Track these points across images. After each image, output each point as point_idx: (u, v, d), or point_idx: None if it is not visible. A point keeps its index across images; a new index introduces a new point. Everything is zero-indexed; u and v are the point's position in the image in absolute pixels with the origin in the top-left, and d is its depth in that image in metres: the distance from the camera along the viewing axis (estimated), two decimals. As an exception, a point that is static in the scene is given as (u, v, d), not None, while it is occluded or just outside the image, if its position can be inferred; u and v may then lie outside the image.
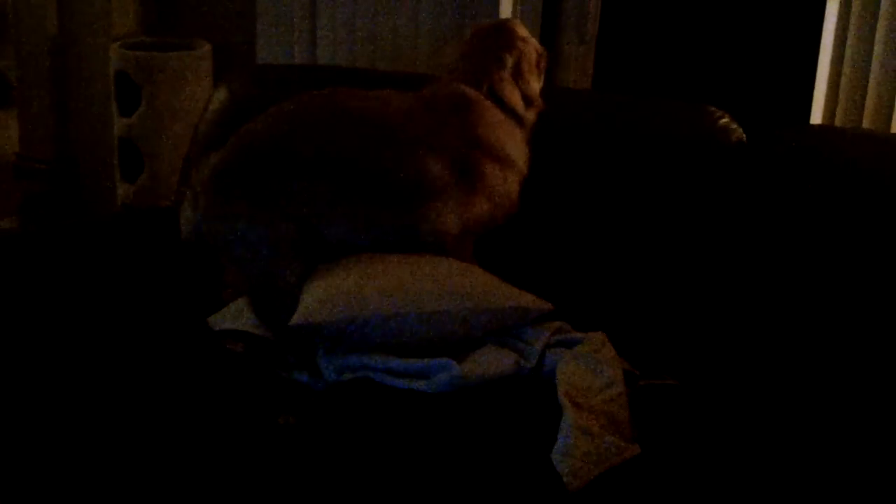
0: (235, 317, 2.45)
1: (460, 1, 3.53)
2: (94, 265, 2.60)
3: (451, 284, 2.36)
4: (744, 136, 2.63)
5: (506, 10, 3.53)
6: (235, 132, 2.50)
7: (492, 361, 2.31)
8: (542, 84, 2.64)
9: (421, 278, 2.35)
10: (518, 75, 2.56)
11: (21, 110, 4.48)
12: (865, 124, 3.00)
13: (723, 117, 2.65)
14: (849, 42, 3.00)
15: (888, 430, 2.16)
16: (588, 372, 2.25)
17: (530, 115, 2.58)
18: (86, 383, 2.26)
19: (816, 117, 3.14)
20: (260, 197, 2.38)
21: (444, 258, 2.44)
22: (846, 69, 3.02)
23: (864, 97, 3.00)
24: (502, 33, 2.61)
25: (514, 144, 2.53)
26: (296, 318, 2.30)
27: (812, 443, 2.12)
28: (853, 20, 2.98)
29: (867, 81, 2.98)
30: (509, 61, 2.56)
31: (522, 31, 2.64)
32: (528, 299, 2.40)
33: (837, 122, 3.06)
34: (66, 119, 4.40)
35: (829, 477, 2.01)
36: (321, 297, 2.32)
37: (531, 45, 2.62)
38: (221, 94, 3.01)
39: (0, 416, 2.19)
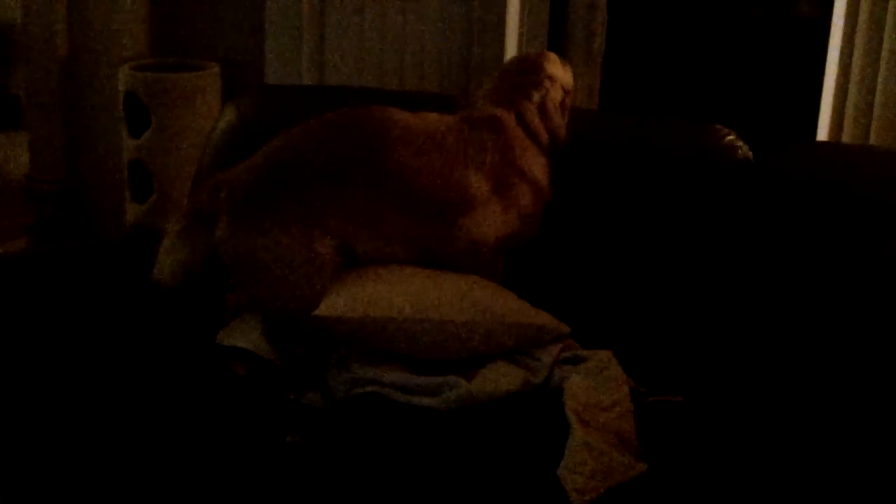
0: (243, 335, 2.44)
1: (467, 22, 3.54)
2: (103, 287, 2.60)
3: (474, 298, 2.38)
4: (750, 153, 2.63)
5: (512, 30, 3.54)
6: (263, 147, 2.50)
7: (501, 378, 2.31)
8: (566, 119, 2.67)
9: (446, 289, 2.38)
10: (543, 112, 2.60)
11: (31, 132, 4.49)
12: (872, 141, 2.99)
13: (729, 135, 2.66)
14: (855, 58, 3.00)
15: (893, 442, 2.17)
16: (595, 389, 2.26)
17: (554, 147, 2.63)
18: (93, 402, 2.27)
19: (823, 134, 3.14)
20: (298, 212, 2.38)
21: (470, 275, 2.47)
22: (852, 86, 3.03)
23: (870, 114, 3.00)
24: (531, 70, 2.66)
25: (541, 170, 2.58)
26: (320, 310, 2.31)
27: (818, 457, 2.12)
28: (859, 37, 2.98)
29: (873, 98, 2.98)
30: (535, 97, 2.61)
31: (552, 67, 2.68)
32: (547, 320, 2.42)
33: (844, 139, 3.06)
34: (75, 141, 4.41)
35: (835, 491, 2.01)
36: (347, 296, 2.34)
37: (558, 84, 2.66)
38: (229, 115, 3.01)
39: (7, 435, 2.20)
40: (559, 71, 2.69)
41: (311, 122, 2.52)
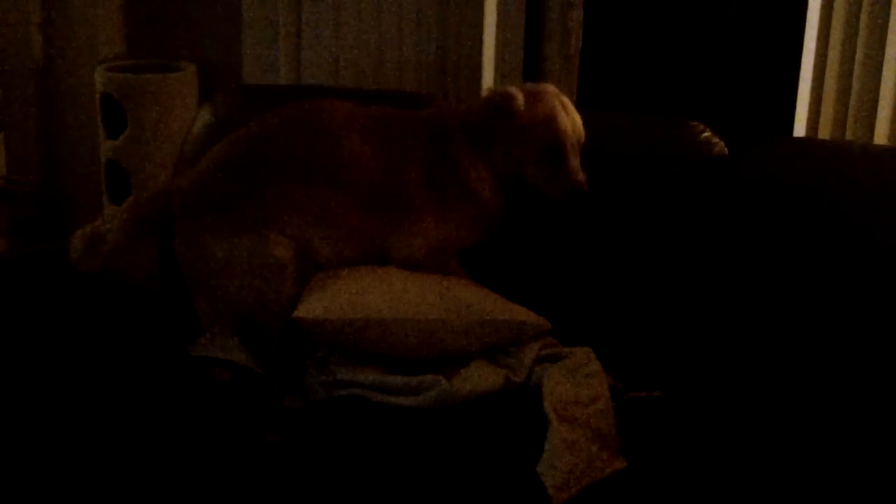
0: (219, 345, 2.41)
1: (444, 21, 3.55)
2: (81, 290, 2.59)
3: (453, 296, 2.37)
4: (725, 149, 2.63)
5: (489, 28, 3.55)
6: (213, 149, 2.50)
7: (481, 377, 2.31)
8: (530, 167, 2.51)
9: (424, 288, 2.38)
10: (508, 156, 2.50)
11: (7, 133, 4.47)
12: (848, 136, 3.01)
13: (704, 131, 2.66)
14: (830, 54, 3.02)
15: (869, 438, 2.18)
16: (574, 386, 2.26)
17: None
18: (73, 408, 2.26)
19: (799, 130, 3.16)
20: (254, 214, 2.37)
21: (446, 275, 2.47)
22: (828, 82, 3.04)
23: (846, 109, 3.01)
24: (503, 119, 2.47)
25: (481, 181, 2.50)
26: (298, 312, 2.30)
27: (796, 452, 2.13)
28: (834, 33, 3.00)
29: (849, 94, 3.00)
30: (499, 150, 2.49)
31: (532, 117, 2.47)
32: (527, 316, 2.41)
33: (821, 135, 3.07)
34: (52, 142, 4.39)
35: (813, 486, 2.02)
36: (325, 297, 2.33)
37: (531, 137, 2.47)
38: (206, 115, 3.00)
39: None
40: (541, 118, 2.48)
41: (261, 119, 2.52)
